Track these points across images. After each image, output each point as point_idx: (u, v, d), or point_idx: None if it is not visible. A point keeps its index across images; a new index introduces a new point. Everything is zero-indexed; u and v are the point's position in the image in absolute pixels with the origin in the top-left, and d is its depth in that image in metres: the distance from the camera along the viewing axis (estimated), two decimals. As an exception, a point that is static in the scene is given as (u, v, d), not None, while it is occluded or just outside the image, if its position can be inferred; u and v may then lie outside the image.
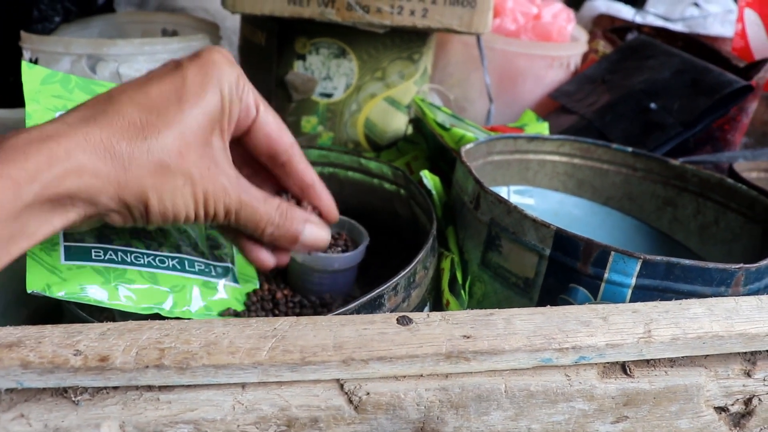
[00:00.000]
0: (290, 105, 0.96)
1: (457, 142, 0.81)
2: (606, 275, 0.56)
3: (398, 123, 0.99)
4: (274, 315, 0.64)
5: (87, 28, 1.08)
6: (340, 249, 0.68)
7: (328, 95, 0.95)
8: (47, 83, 0.66)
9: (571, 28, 1.20)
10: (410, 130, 0.98)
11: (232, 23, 1.29)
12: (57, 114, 0.64)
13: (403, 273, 0.56)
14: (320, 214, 0.60)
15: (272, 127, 0.56)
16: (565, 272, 0.58)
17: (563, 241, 0.57)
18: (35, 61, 0.87)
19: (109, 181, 0.45)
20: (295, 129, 0.97)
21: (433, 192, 0.73)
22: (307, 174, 0.60)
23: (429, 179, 0.74)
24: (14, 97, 1.01)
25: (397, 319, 0.48)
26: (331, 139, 0.98)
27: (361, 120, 0.97)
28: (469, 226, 0.67)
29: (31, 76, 0.66)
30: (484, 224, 0.64)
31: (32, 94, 0.65)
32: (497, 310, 0.50)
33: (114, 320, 0.61)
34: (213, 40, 0.98)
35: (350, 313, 0.51)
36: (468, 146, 0.74)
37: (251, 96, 0.54)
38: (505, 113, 1.15)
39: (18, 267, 0.62)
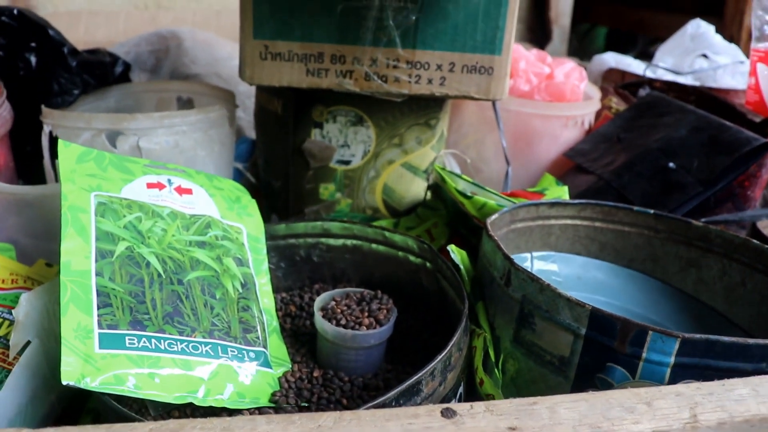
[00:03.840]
0: (308, 172, 0.96)
1: (479, 209, 0.80)
2: (644, 354, 0.55)
3: (417, 188, 0.99)
4: (308, 396, 0.63)
5: (104, 99, 1.09)
6: (369, 322, 0.67)
7: (346, 162, 0.95)
8: (82, 161, 0.67)
9: (583, 86, 1.21)
10: (429, 196, 0.98)
11: (246, 87, 1.30)
12: (92, 194, 0.64)
13: (440, 357, 0.55)
14: None
15: None
16: (602, 351, 0.57)
17: (599, 320, 0.56)
18: (55, 135, 0.88)
19: None
20: (313, 196, 0.97)
21: (461, 266, 0.73)
22: None
23: (456, 254, 0.73)
24: (31, 168, 1.02)
25: (441, 412, 0.47)
26: (349, 205, 0.98)
27: (380, 186, 0.97)
28: (499, 302, 0.66)
29: (67, 154, 0.67)
30: (516, 301, 0.63)
31: (68, 173, 0.65)
32: (540, 398, 0.49)
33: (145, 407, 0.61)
34: (229, 109, 0.99)
35: (389, 401, 0.51)
36: (492, 217, 0.73)
37: None
38: (521, 174, 1.16)
39: (45, 351, 0.62)
